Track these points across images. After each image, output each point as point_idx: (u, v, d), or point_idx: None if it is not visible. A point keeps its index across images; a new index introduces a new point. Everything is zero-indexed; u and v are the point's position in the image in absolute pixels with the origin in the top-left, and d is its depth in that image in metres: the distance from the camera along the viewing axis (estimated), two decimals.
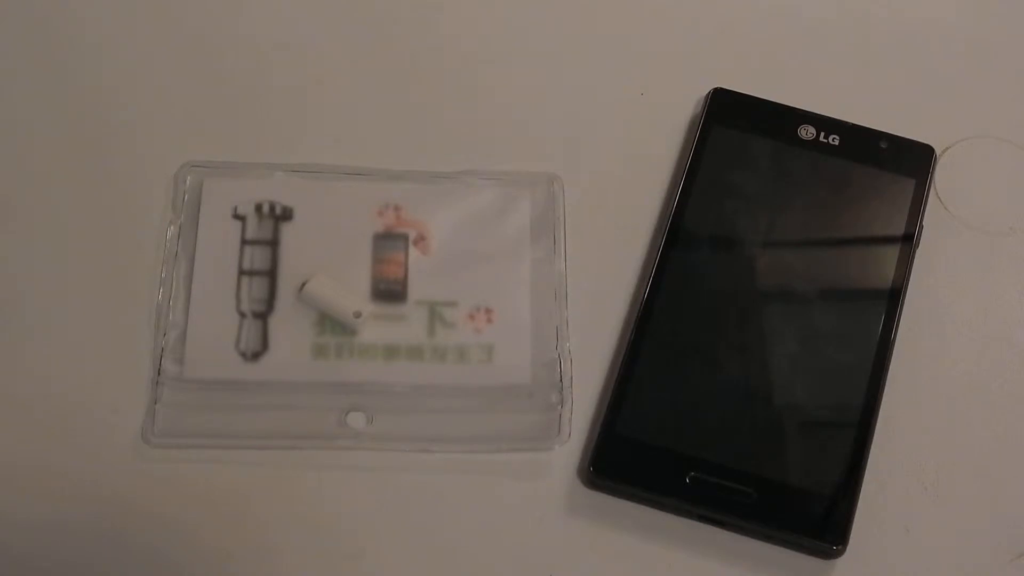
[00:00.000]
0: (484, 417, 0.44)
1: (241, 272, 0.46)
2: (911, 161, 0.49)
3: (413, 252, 0.47)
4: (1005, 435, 0.45)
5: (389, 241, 0.47)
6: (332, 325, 0.45)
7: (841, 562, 0.43)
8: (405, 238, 0.47)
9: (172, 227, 0.47)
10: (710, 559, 0.43)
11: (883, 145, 0.49)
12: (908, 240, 0.48)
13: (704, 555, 0.43)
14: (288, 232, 0.47)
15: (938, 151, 0.50)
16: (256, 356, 0.44)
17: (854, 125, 0.50)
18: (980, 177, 0.50)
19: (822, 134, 0.49)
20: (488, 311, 0.46)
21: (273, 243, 0.46)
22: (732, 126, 0.50)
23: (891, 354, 0.45)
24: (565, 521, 0.43)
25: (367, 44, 0.53)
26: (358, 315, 0.45)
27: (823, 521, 0.43)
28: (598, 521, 0.43)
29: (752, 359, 0.45)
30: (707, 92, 0.50)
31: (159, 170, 0.48)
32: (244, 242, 0.46)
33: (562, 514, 0.44)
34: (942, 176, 0.50)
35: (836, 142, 0.49)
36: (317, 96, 0.51)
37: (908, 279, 0.47)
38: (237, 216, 0.47)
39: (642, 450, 0.44)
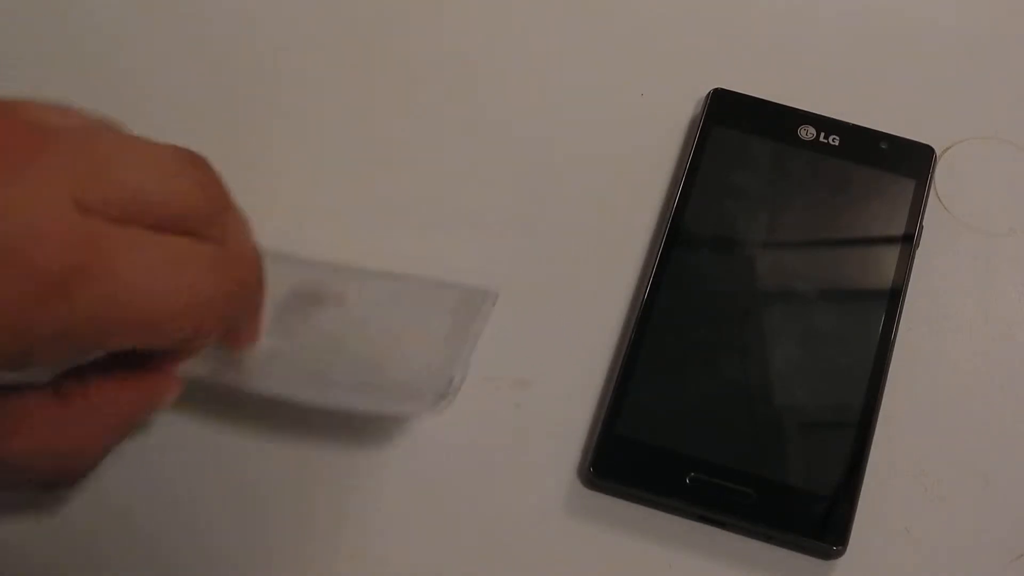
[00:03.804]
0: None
1: None
2: (911, 161, 0.49)
3: (328, 307, 0.44)
4: (1005, 435, 0.45)
5: (303, 298, 0.44)
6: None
7: (841, 562, 0.43)
8: (321, 296, 0.44)
9: None
10: (710, 559, 0.43)
11: (883, 145, 0.49)
12: (908, 240, 0.48)
13: (704, 555, 0.43)
14: None
15: (938, 151, 0.50)
16: None
17: (854, 125, 0.50)
18: (980, 177, 0.50)
19: (822, 134, 0.49)
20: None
21: None
22: (732, 126, 0.50)
23: (891, 354, 0.45)
24: (565, 521, 0.44)
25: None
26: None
27: (823, 521, 0.43)
28: (598, 521, 0.43)
29: (752, 359, 0.45)
30: (707, 92, 0.50)
31: None
32: None
33: (562, 514, 0.44)
34: (942, 176, 0.50)
35: (836, 142, 0.49)
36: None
37: (908, 279, 0.47)
38: None
39: (642, 450, 0.44)
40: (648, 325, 0.46)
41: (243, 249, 0.36)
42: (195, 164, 0.35)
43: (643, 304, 0.46)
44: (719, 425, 0.44)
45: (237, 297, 0.36)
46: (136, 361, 0.36)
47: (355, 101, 0.52)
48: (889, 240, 0.48)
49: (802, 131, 0.50)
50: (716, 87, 0.50)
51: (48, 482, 0.36)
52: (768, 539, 0.43)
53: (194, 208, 0.34)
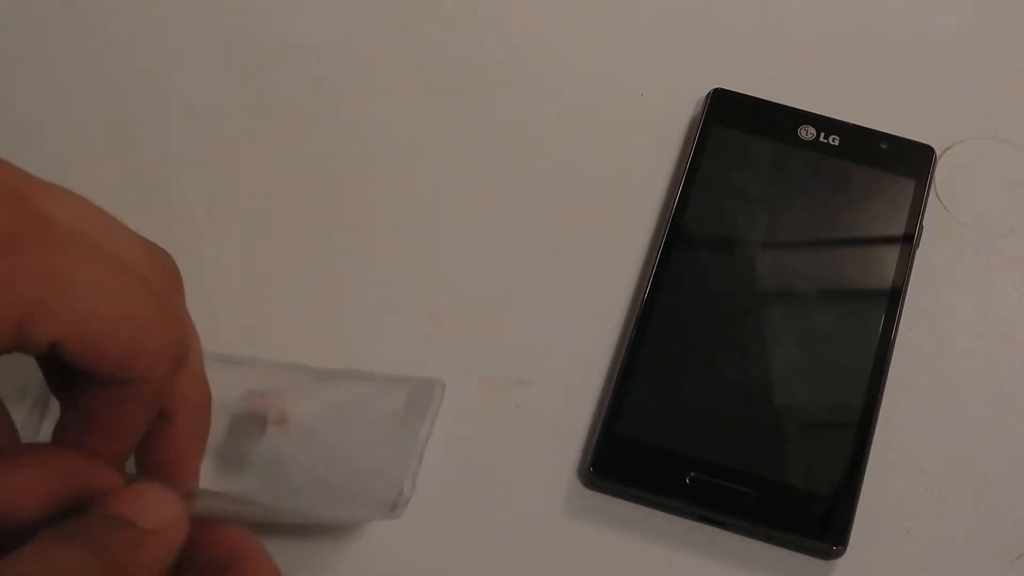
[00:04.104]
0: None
1: None
2: (911, 161, 0.49)
3: (272, 432, 0.43)
4: (1005, 435, 0.45)
5: (245, 422, 0.43)
6: None
7: (841, 562, 0.43)
8: (264, 419, 0.43)
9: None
10: (710, 559, 0.43)
11: (883, 145, 0.49)
12: (908, 240, 0.48)
13: (704, 555, 0.43)
14: None
15: (938, 151, 0.50)
16: None
17: (854, 125, 0.50)
18: (980, 177, 0.50)
19: (822, 134, 0.49)
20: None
21: None
22: (732, 126, 0.50)
23: (891, 354, 0.45)
24: (565, 521, 0.43)
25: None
26: None
27: (823, 521, 0.43)
28: (598, 521, 0.43)
29: (752, 359, 0.45)
30: (707, 92, 0.50)
31: None
32: None
33: (562, 514, 0.44)
34: (942, 176, 0.50)
35: (836, 142, 0.49)
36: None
37: (908, 279, 0.47)
38: None
39: (642, 450, 0.44)
40: (648, 325, 0.46)
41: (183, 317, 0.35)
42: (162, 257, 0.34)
43: (643, 304, 0.46)
44: (719, 425, 0.44)
45: (180, 347, 0.33)
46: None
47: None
48: (889, 240, 0.48)
49: (802, 131, 0.50)
50: (716, 87, 0.50)
51: None
52: (768, 539, 0.43)
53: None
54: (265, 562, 0.34)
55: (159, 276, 0.34)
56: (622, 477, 0.43)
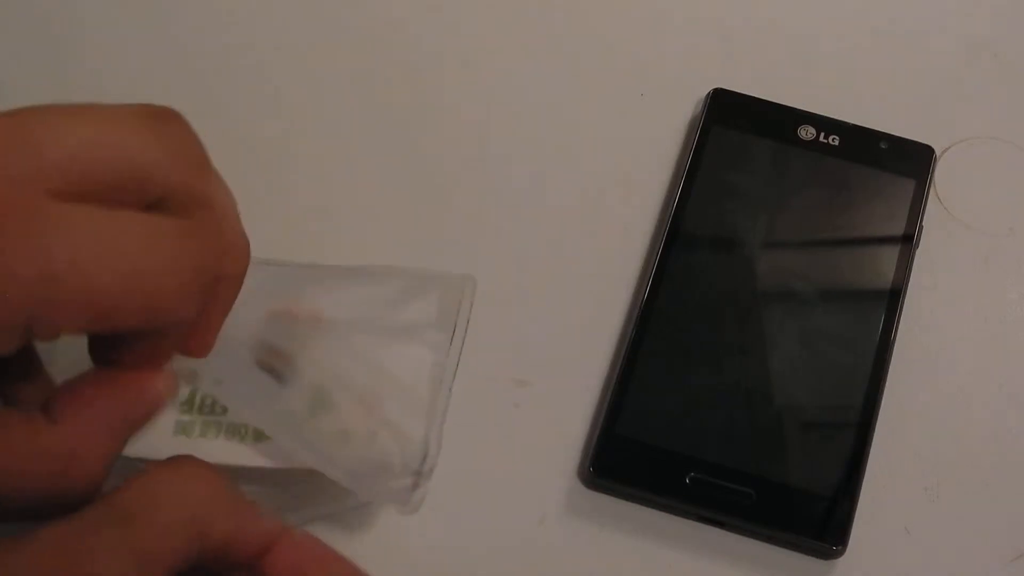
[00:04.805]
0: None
1: None
2: (911, 161, 0.49)
3: (302, 330, 0.42)
4: (1005, 435, 0.45)
5: (278, 324, 0.42)
6: (200, 403, 0.41)
7: (841, 562, 0.43)
8: (296, 318, 0.42)
9: None
10: (710, 559, 0.43)
11: (883, 145, 0.49)
12: (908, 240, 0.48)
13: (704, 555, 0.43)
14: None
15: (938, 151, 0.50)
16: None
17: (854, 125, 0.50)
18: (980, 177, 0.50)
19: (822, 134, 0.49)
20: (376, 396, 0.41)
21: None
22: (732, 126, 0.50)
23: (891, 354, 0.45)
24: (565, 521, 0.44)
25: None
26: None
27: (823, 521, 0.43)
28: (598, 521, 0.43)
29: (752, 359, 0.45)
30: (707, 92, 0.50)
31: None
32: None
33: (562, 514, 0.44)
34: (942, 176, 0.50)
35: (836, 142, 0.49)
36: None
37: (908, 279, 0.47)
38: None
39: (642, 451, 0.44)
40: (648, 325, 0.46)
41: (223, 226, 0.31)
42: (159, 118, 0.30)
43: (643, 304, 0.46)
44: (719, 425, 0.44)
45: (207, 279, 0.31)
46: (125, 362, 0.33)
47: (354, 97, 0.52)
48: (889, 240, 0.48)
49: (802, 131, 0.50)
50: (716, 87, 0.50)
51: (51, 502, 0.32)
52: (768, 539, 0.43)
53: (151, 171, 0.29)
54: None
55: (161, 150, 0.30)
56: (622, 477, 0.43)
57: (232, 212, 0.32)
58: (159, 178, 0.29)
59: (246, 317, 0.37)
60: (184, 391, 0.40)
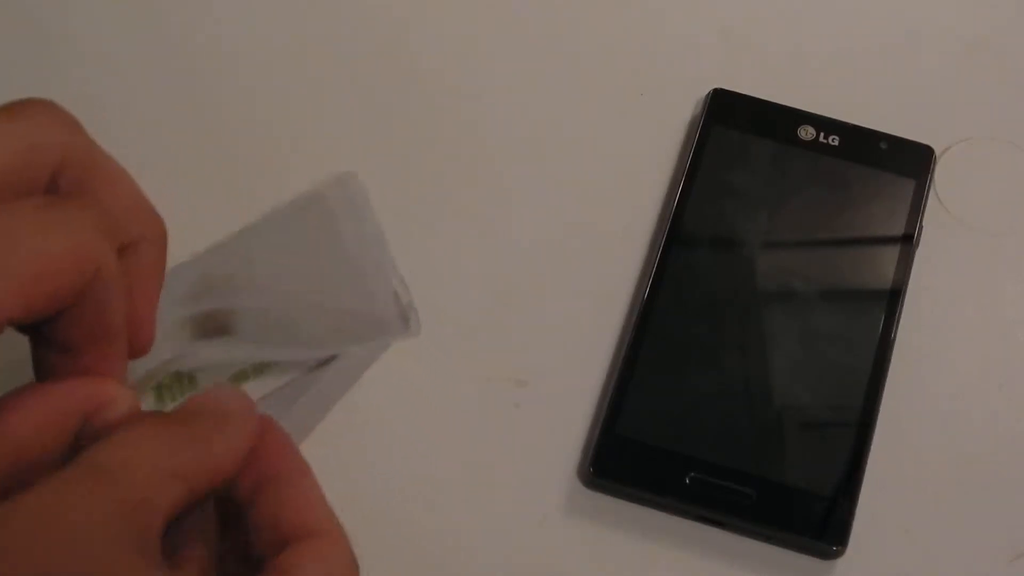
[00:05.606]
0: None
1: None
2: (911, 161, 0.49)
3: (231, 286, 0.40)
4: (1005, 435, 0.45)
5: (207, 293, 0.41)
6: (170, 393, 0.40)
7: (841, 562, 0.43)
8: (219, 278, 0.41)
9: None
10: (710, 559, 0.43)
11: (883, 145, 0.49)
12: (908, 240, 0.48)
13: (704, 555, 0.43)
14: None
15: (938, 151, 0.50)
16: None
17: (854, 125, 0.50)
18: (980, 177, 0.50)
19: (822, 134, 0.49)
20: (330, 294, 0.40)
21: None
22: (732, 126, 0.50)
23: (891, 354, 0.45)
24: (565, 521, 0.44)
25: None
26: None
27: (823, 521, 0.43)
28: (598, 521, 0.43)
29: (752, 359, 0.45)
30: (707, 92, 0.50)
31: None
32: None
33: (562, 514, 0.44)
34: (942, 176, 0.50)
35: (836, 142, 0.49)
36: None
37: (908, 279, 0.47)
38: None
39: (642, 450, 0.44)
40: (648, 325, 0.46)
41: (117, 191, 0.32)
42: (24, 106, 0.30)
43: (643, 304, 0.46)
44: (719, 425, 0.44)
45: (116, 241, 0.30)
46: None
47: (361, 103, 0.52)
48: (889, 240, 0.48)
49: (802, 131, 0.50)
50: (716, 87, 0.50)
51: None
52: (768, 539, 0.43)
53: (31, 156, 0.29)
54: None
55: (39, 134, 0.30)
56: (622, 477, 0.43)
57: (127, 179, 0.32)
58: (40, 160, 0.30)
59: (174, 300, 0.37)
60: (148, 398, 0.39)
